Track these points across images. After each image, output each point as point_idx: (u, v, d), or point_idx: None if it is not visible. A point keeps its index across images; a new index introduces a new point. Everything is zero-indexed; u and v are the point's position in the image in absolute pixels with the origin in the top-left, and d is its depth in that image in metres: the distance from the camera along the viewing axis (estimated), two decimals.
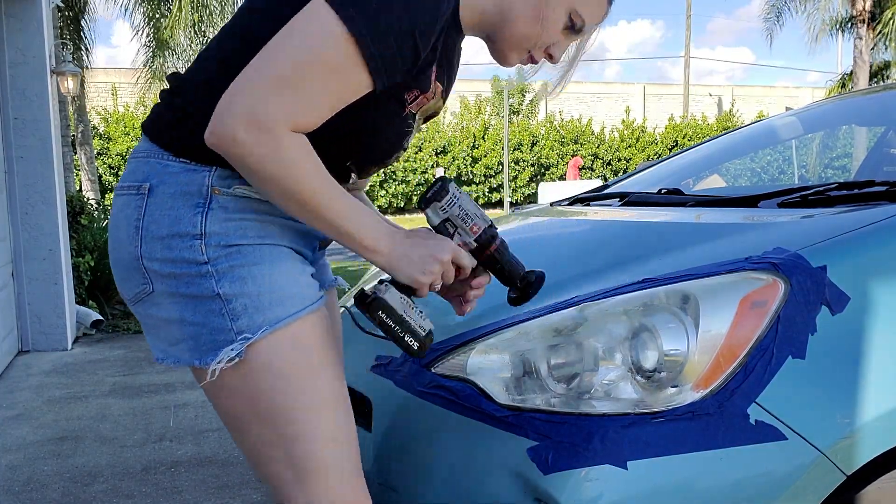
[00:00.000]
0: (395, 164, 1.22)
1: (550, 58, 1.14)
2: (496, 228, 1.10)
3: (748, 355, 1.05)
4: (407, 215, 22.20)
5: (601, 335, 1.13)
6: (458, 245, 1.07)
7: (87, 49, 10.02)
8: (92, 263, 5.78)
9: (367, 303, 1.06)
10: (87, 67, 10.28)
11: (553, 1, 1.08)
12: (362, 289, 1.08)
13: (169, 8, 9.69)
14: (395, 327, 1.06)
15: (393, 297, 1.06)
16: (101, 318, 5.53)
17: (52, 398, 3.80)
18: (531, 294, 1.11)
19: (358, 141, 1.08)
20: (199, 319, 1.04)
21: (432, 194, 1.07)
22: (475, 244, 1.08)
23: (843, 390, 1.04)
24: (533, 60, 1.14)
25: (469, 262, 1.08)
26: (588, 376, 1.11)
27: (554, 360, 1.15)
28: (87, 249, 5.81)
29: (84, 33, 9.84)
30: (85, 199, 6.48)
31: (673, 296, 1.12)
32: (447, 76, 1.14)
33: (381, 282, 1.08)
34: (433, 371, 1.25)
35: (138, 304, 1.09)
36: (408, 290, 1.07)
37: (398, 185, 21.09)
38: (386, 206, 21.43)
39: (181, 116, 1.06)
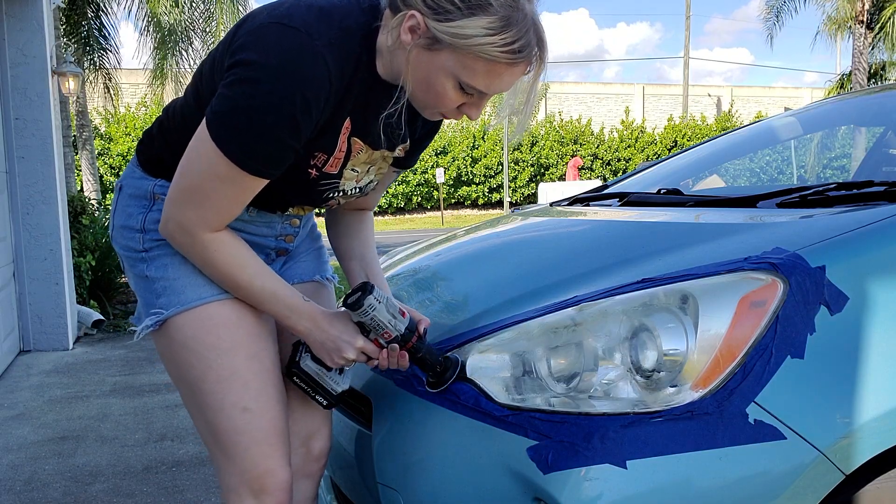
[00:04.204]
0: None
1: (468, 116, 1.17)
2: (413, 332, 1.22)
3: (747, 355, 1.05)
4: (406, 215, 22.21)
5: (600, 335, 1.13)
6: (372, 341, 1.22)
7: (116, 49, 10.05)
8: (93, 263, 5.79)
9: (284, 368, 1.30)
10: (113, 68, 10.30)
11: (434, 74, 1.10)
12: (293, 351, 1.31)
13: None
14: (306, 388, 1.30)
15: (308, 365, 1.28)
16: (102, 317, 5.53)
17: (53, 398, 3.80)
18: (448, 379, 1.18)
19: (266, 189, 1.19)
20: (140, 293, 1.29)
21: (350, 303, 1.19)
22: (386, 346, 1.22)
23: (842, 390, 1.04)
24: (447, 117, 1.18)
25: (377, 355, 1.23)
26: (587, 376, 1.12)
27: (553, 359, 1.15)
28: (88, 249, 5.81)
29: (108, 33, 9.88)
30: (86, 200, 6.49)
31: (672, 296, 1.12)
32: (385, 129, 1.21)
33: (303, 346, 1.29)
34: None
35: None
36: (321, 363, 1.27)
37: (398, 185, 21.09)
38: (386, 206, 21.44)
39: (149, 141, 1.30)
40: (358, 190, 1.32)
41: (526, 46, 1.07)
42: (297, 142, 1.13)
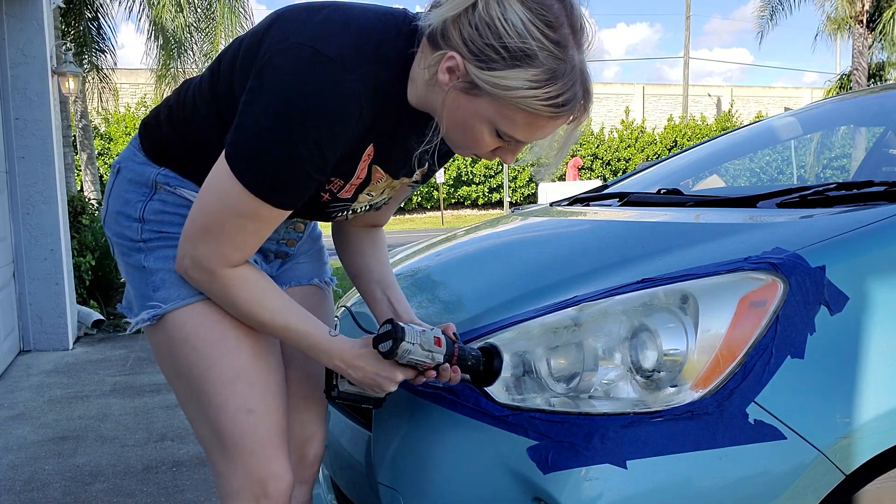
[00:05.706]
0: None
1: (503, 160, 1.12)
2: (453, 353, 1.13)
3: (747, 355, 1.05)
4: (406, 215, 22.21)
5: (601, 335, 1.13)
6: (409, 369, 1.15)
7: (112, 50, 10.07)
8: (93, 263, 5.79)
9: (328, 397, 1.26)
10: (109, 68, 10.30)
11: (471, 119, 1.04)
12: (329, 372, 1.25)
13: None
14: (351, 403, 1.26)
15: (347, 389, 1.25)
16: (102, 317, 5.54)
17: (53, 398, 3.80)
18: (497, 368, 1.13)
19: None
20: (135, 284, 1.23)
21: (384, 352, 1.11)
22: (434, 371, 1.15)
23: (842, 390, 1.04)
24: (480, 158, 1.13)
25: (421, 380, 1.16)
26: (588, 376, 1.12)
27: (553, 359, 1.15)
28: (88, 249, 5.81)
29: (105, 34, 9.90)
30: (86, 200, 6.49)
31: (672, 296, 1.12)
32: (408, 158, 1.17)
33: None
34: None
35: None
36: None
37: None
38: None
39: (156, 124, 1.24)
40: (368, 207, 1.27)
41: (571, 100, 1.00)
42: (323, 175, 1.09)
